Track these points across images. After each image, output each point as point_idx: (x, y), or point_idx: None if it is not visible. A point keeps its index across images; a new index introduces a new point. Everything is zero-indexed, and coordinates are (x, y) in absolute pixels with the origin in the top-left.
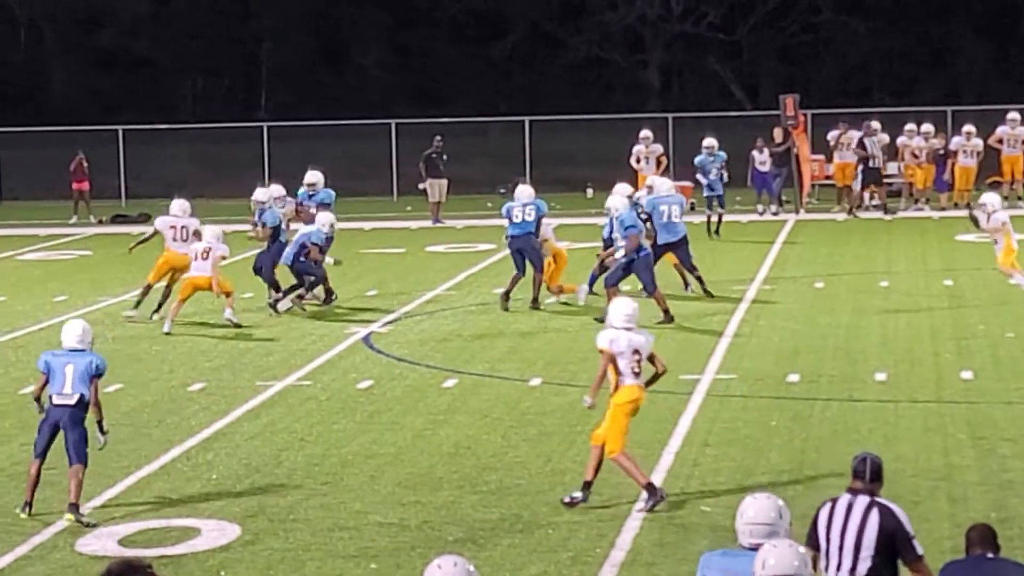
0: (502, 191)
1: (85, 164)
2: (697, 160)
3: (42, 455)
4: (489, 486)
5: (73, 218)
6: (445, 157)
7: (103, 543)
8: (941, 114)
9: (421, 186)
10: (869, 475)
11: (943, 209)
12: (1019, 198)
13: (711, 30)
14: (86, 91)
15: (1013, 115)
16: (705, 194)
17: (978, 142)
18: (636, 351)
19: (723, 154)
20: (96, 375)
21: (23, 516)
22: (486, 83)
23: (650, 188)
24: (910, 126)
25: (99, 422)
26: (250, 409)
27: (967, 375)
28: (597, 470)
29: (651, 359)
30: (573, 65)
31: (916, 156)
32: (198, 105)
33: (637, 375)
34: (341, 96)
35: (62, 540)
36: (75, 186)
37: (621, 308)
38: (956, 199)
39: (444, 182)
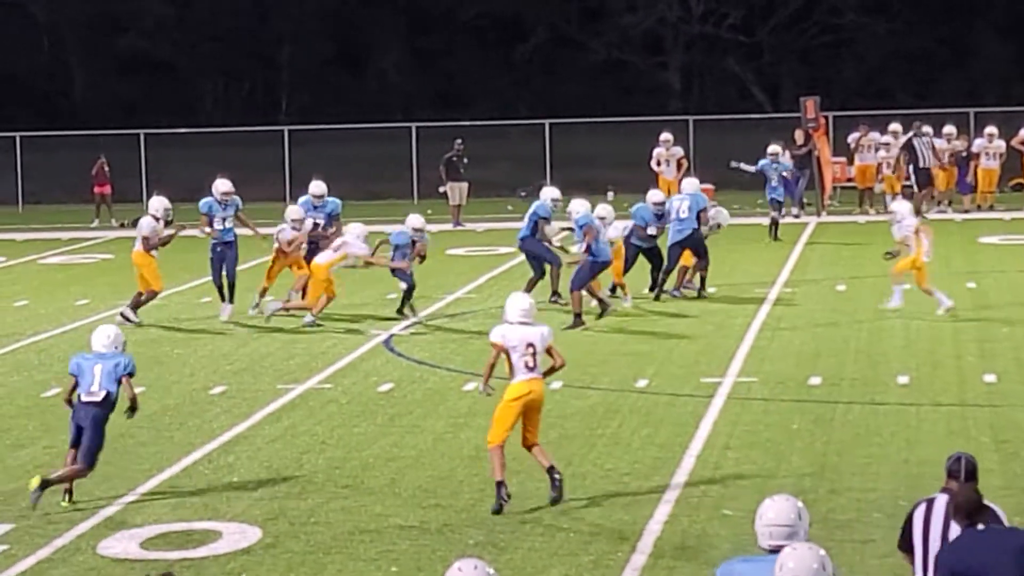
0: (523, 194)
1: (107, 168)
2: (760, 164)
3: (76, 445)
4: (510, 489)
5: (95, 222)
6: (466, 160)
7: (125, 546)
8: (963, 115)
9: (441, 189)
10: (964, 474)
11: (966, 211)
12: None
13: (731, 32)
14: (108, 95)
15: None
16: (769, 198)
17: (1000, 144)
18: (530, 345)
19: (788, 162)
20: (127, 374)
21: (64, 504)
22: (506, 86)
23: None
24: (990, 129)
25: (131, 407)
26: (271, 412)
27: (990, 378)
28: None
29: (549, 352)
30: (593, 68)
31: (939, 158)
32: (219, 109)
33: (531, 369)
34: (361, 100)
35: (84, 543)
36: (97, 190)
37: (517, 303)
38: (979, 201)
39: (464, 185)
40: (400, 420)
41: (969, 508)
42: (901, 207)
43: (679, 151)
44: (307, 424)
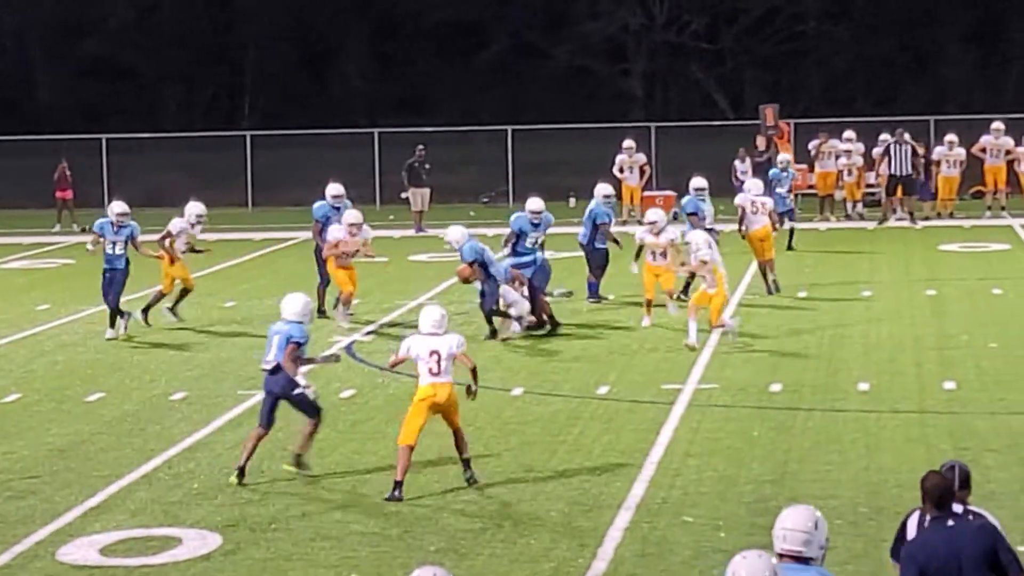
0: (485, 200)
1: (68, 173)
2: (771, 173)
3: (266, 423)
4: (471, 496)
5: (56, 227)
6: (428, 166)
7: (84, 552)
8: (924, 123)
9: (404, 195)
10: (958, 483)
11: (926, 219)
12: (1002, 208)
13: (694, 39)
14: (71, 100)
15: (997, 125)
16: (777, 209)
17: (961, 151)
18: (433, 352)
19: (795, 172)
20: (294, 343)
21: (232, 481)
22: (469, 92)
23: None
24: (884, 135)
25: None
26: (232, 418)
27: (950, 385)
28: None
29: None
30: (556, 74)
31: (916, 168)
32: (181, 114)
33: (436, 375)
34: (324, 105)
35: (43, 549)
36: (58, 195)
37: (429, 315)
38: (939, 209)
39: (427, 191)
40: (361, 426)
41: (937, 495)
42: (697, 237)
43: (642, 158)
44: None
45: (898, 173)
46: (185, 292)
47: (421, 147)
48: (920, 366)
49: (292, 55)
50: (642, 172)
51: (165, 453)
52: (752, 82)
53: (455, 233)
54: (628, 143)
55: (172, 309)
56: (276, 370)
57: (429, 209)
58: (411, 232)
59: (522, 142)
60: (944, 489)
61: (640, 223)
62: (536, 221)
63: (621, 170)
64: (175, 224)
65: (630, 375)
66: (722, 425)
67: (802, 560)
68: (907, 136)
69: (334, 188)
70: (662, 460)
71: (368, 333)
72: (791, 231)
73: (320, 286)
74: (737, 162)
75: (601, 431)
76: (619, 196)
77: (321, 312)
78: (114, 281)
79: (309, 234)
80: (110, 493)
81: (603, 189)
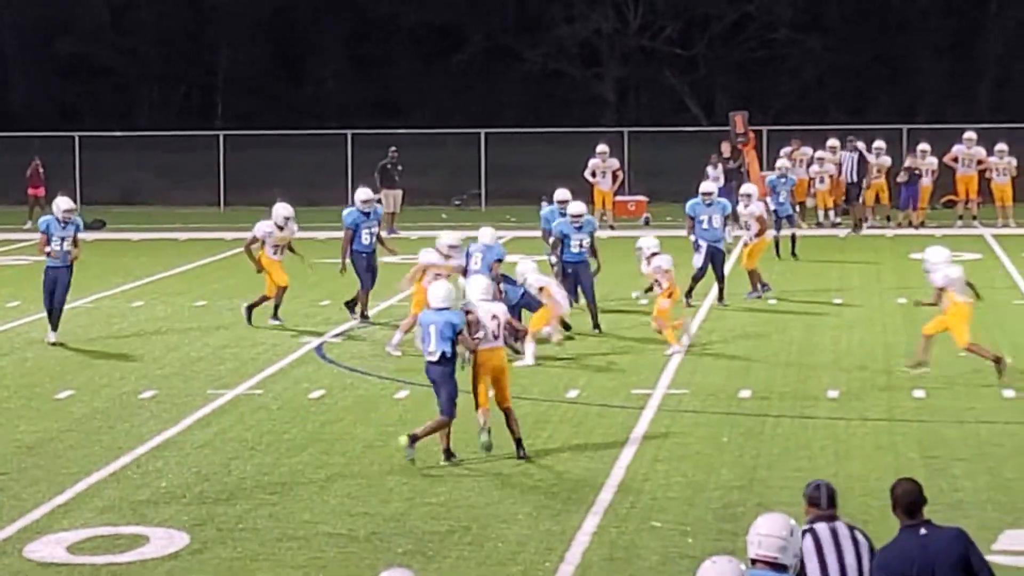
0: (457, 203)
1: (41, 170)
2: (768, 180)
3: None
4: (439, 498)
5: (28, 224)
6: (400, 168)
7: (51, 550)
8: (896, 132)
9: (376, 197)
10: (826, 502)
11: (898, 226)
12: (973, 218)
13: (667, 44)
14: (46, 98)
15: (969, 134)
16: (781, 215)
17: (933, 160)
18: (494, 317)
19: (794, 178)
20: (456, 332)
21: (443, 463)
22: (443, 95)
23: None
24: (879, 143)
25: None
26: (201, 417)
27: (919, 394)
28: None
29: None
30: (529, 78)
31: (867, 173)
32: (155, 113)
33: (495, 338)
34: (298, 106)
35: (10, 546)
36: (31, 192)
37: (477, 283)
38: (911, 218)
39: (399, 193)
40: (330, 427)
41: (908, 502)
42: (648, 243)
43: (615, 163)
44: (237, 430)
45: (849, 180)
46: (282, 291)
47: (393, 149)
48: (890, 374)
49: (266, 55)
50: (614, 177)
51: (134, 451)
52: (724, 88)
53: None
54: (602, 147)
55: (275, 315)
56: (442, 360)
57: (401, 211)
58: (383, 234)
59: (495, 145)
60: (915, 496)
61: (612, 227)
62: (578, 224)
63: (593, 174)
64: (260, 228)
65: (600, 379)
66: (691, 430)
67: (777, 567)
68: (860, 144)
69: (363, 193)
70: (631, 465)
71: (338, 335)
72: (793, 237)
73: (361, 292)
74: (709, 168)
75: (570, 435)
76: (591, 200)
77: (365, 317)
78: (59, 281)
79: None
80: (78, 491)
81: (557, 195)
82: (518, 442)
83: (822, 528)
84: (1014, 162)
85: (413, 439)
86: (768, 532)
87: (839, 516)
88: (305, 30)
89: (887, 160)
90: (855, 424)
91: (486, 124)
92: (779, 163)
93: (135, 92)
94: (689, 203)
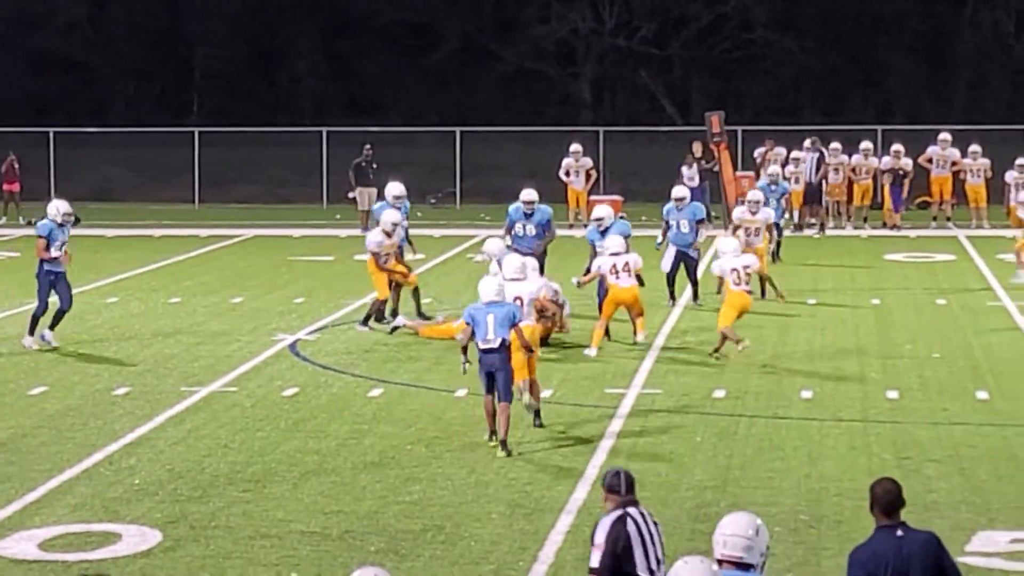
0: (432, 201)
1: (16, 166)
2: (759, 185)
3: (490, 391)
4: (412, 496)
5: (2, 219)
6: (375, 165)
7: (23, 547)
8: (871, 133)
9: (350, 194)
10: (625, 488)
11: (893, 228)
12: (948, 219)
13: (643, 44)
14: (20, 93)
15: (944, 136)
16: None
17: (907, 162)
18: (517, 298)
19: (787, 185)
20: (515, 322)
21: (501, 454)
22: (418, 93)
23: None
24: (835, 144)
25: (527, 348)
26: (174, 415)
27: (893, 395)
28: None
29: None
30: (505, 77)
31: (855, 173)
32: (130, 109)
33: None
34: (273, 103)
35: None
36: (5, 187)
37: (511, 262)
38: (885, 219)
39: (373, 191)
40: (304, 425)
41: (887, 501)
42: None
43: (588, 162)
44: (210, 427)
45: (807, 180)
46: (416, 291)
47: (368, 146)
48: (863, 375)
49: (242, 52)
50: (588, 176)
51: (107, 448)
52: (700, 88)
53: (493, 246)
54: (575, 147)
55: (420, 313)
56: (500, 348)
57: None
58: (357, 231)
59: (470, 144)
60: (895, 497)
61: (586, 227)
62: (529, 211)
63: (567, 173)
64: (372, 242)
65: (574, 379)
66: (665, 430)
67: (742, 566)
68: (819, 144)
69: (396, 188)
70: (604, 464)
71: (312, 332)
72: (778, 242)
73: (393, 289)
74: (684, 168)
75: (544, 434)
76: (565, 200)
77: (395, 313)
78: (60, 282)
79: (256, 231)
80: (50, 488)
81: (524, 195)
82: (536, 412)
83: (635, 513)
84: (988, 163)
85: (504, 445)
86: (733, 532)
87: (638, 501)
88: (281, 27)
89: (874, 162)
90: (829, 425)
91: (461, 122)
92: (770, 169)
93: (110, 88)
94: (666, 207)
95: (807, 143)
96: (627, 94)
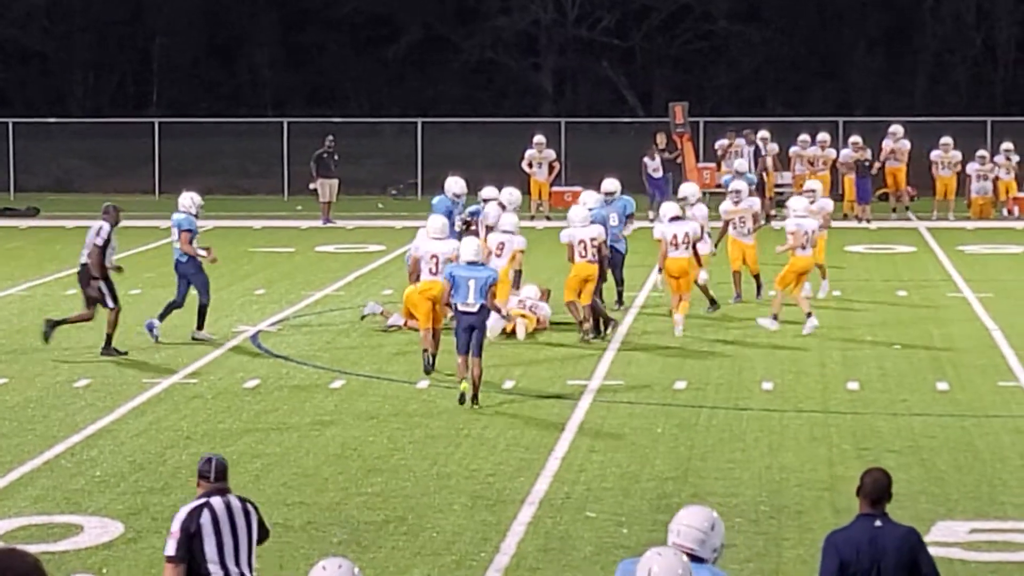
0: (394, 192)
1: None
2: (723, 180)
3: (465, 351)
4: (374, 488)
5: None
6: (336, 157)
7: None
8: (832, 124)
9: (312, 186)
10: (215, 475)
11: (857, 220)
12: (907, 208)
13: (605, 35)
14: None
15: (895, 128)
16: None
17: (868, 153)
18: (433, 256)
19: (752, 176)
20: (491, 285)
21: (476, 406)
22: (379, 84)
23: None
24: (803, 136)
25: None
26: (136, 406)
27: (853, 386)
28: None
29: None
30: (466, 68)
31: (812, 164)
32: (89, 100)
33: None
34: (233, 94)
35: None
36: None
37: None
38: (845, 210)
39: (335, 182)
40: (265, 417)
41: (873, 490)
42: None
43: (551, 154)
44: (172, 419)
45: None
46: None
47: (331, 137)
48: (824, 366)
49: (201, 43)
50: (551, 168)
51: (68, 440)
52: (662, 80)
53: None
54: (539, 138)
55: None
56: (480, 310)
57: (337, 200)
58: (319, 223)
59: (432, 135)
60: (883, 488)
61: (548, 218)
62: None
63: (530, 165)
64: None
65: (535, 370)
66: (626, 421)
67: (694, 559)
68: (757, 136)
69: (456, 184)
70: (566, 456)
71: (274, 323)
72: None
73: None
74: (647, 159)
75: (506, 426)
76: (528, 191)
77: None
78: (199, 275)
79: (216, 223)
80: (11, 479)
81: (451, 185)
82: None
83: (217, 502)
84: (959, 156)
85: (475, 399)
86: (690, 524)
87: (230, 489)
88: (240, 17)
89: (831, 153)
90: (789, 416)
91: (423, 113)
92: (736, 163)
93: (69, 79)
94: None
95: (740, 137)
96: (589, 85)
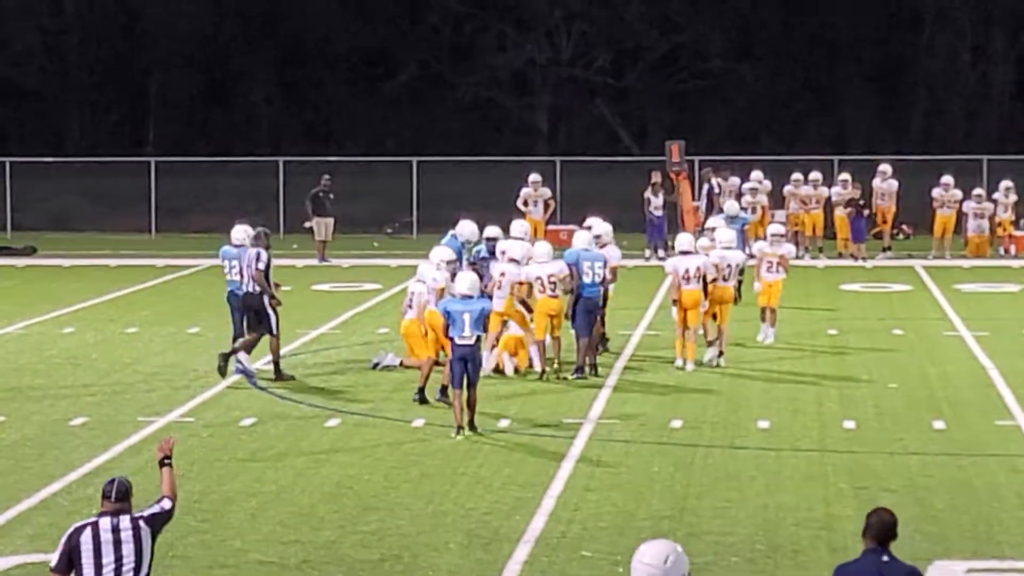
0: (389, 231)
1: None
2: (720, 218)
3: (460, 385)
4: (370, 526)
5: None
6: (332, 196)
7: None
8: (827, 163)
9: (307, 224)
10: (116, 495)
11: (851, 258)
12: (894, 239)
13: (600, 74)
14: None
15: (883, 167)
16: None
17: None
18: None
19: (747, 216)
20: (486, 316)
21: (457, 437)
22: (375, 122)
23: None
24: (796, 175)
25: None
26: (132, 444)
27: (849, 424)
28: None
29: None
30: (462, 106)
31: (805, 203)
32: (85, 138)
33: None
34: (230, 132)
35: None
36: None
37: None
38: (840, 248)
39: (331, 220)
40: (261, 455)
41: (880, 530)
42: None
43: (547, 192)
44: None
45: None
46: None
47: (327, 176)
48: (820, 405)
49: (197, 81)
50: (547, 206)
51: (64, 478)
52: (656, 119)
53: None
54: (534, 177)
55: None
56: (476, 342)
57: (333, 239)
58: (314, 261)
59: (427, 174)
60: (889, 528)
61: None
62: (601, 245)
63: (525, 203)
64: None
65: (531, 408)
66: (622, 460)
67: None
68: (710, 174)
69: (467, 230)
70: (562, 494)
71: (270, 361)
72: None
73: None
74: (651, 195)
75: (501, 464)
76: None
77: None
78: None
79: (212, 261)
80: (8, 518)
81: (464, 230)
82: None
83: (105, 523)
84: (959, 195)
85: (472, 425)
86: (646, 561)
87: (129, 510)
88: (236, 56)
89: (824, 191)
90: (786, 454)
91: (418, 152)
92: (727, 205)
93: (66, 117)
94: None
95: (701, 174)
96: (583, 124)
